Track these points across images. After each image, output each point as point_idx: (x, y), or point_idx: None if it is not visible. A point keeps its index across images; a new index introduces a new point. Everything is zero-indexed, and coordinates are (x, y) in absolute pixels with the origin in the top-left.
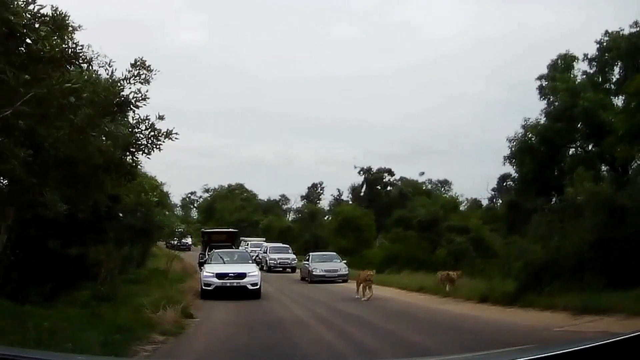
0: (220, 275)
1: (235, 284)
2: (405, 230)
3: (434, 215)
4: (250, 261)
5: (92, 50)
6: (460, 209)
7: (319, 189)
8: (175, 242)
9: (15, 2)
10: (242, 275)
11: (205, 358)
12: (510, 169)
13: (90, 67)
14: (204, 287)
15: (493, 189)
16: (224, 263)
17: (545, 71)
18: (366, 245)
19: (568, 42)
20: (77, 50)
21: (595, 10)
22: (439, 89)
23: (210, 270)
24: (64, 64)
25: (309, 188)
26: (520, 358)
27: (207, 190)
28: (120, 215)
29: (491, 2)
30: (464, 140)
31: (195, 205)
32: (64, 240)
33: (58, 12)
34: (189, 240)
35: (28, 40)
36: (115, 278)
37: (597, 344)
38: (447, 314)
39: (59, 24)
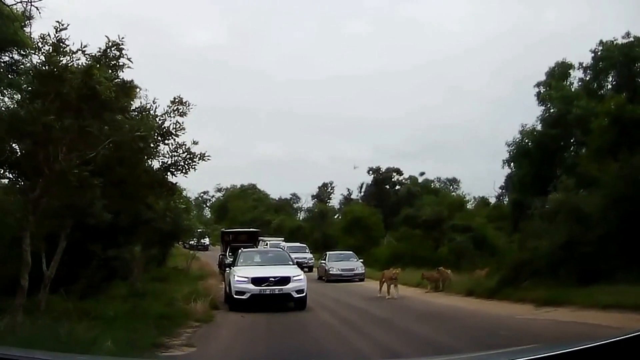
0: (257, 281)
1: (277, 291)
2: (411, 228)
3: (438, 215)
4: (291, 262)
5: (140, 89)
6: (468, 207)
7: (329, 188)
8: (194, 243)
9: (97, 73)
10: (285, 280)
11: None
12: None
13: (148, 114)
14: (235, 296)
15: (501, 187)
16: (258, 265)
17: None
18: (374, 243)
19: (576, 37)
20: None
21: (602, 5)
22: (448, 86)
23: (243, 274)
24: (129, 112)
25: (319, 187)
26: (521, 358)
27: (219, 190)
28: (152, 220)
29: None
30: (473, 138)
31: (207, 204)
32: (104, 244)
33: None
34: (206, 241)
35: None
36: (142, 276)
37: (597, 344)
38: (436, 305)
39: (127, 87)
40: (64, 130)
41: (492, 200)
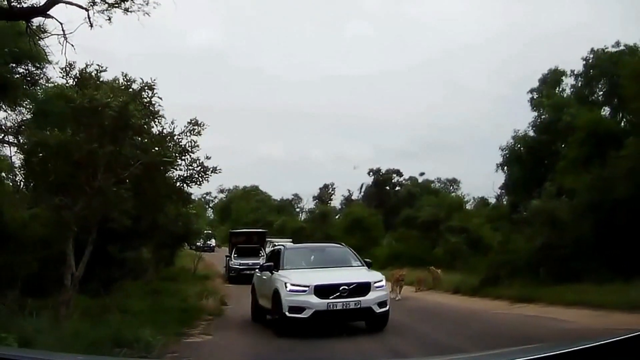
0: (323, 290)
1: (352, 305)
2: (410, 229)
3: (435, 216)
4: (358, 261)
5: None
6: (467, 207)
7: (330, 189)
8: (200, 244)
9: (132, 107)
10: (363, 289)
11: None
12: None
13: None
14: (288, 314)
15: (500, 187)
16: (314, 267)
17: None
18: (374, 243)
19: (578, 36)
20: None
21: (603, 3)
22: (449, 86)
23: (300, 282)
24: (155, 136)
25: (320, 188)
26: (521, 358)
27: (222, 191)
28: (165, 224)
29: None
30: (474, 138)
31: (210, 205)
32: (121, 246)
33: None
34: (212, 242)
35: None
36: (154, 276)
37: (597, 343)
38: (425, 301)
39: (155, 114)
40: (104, 155)
41: (492, 201)
